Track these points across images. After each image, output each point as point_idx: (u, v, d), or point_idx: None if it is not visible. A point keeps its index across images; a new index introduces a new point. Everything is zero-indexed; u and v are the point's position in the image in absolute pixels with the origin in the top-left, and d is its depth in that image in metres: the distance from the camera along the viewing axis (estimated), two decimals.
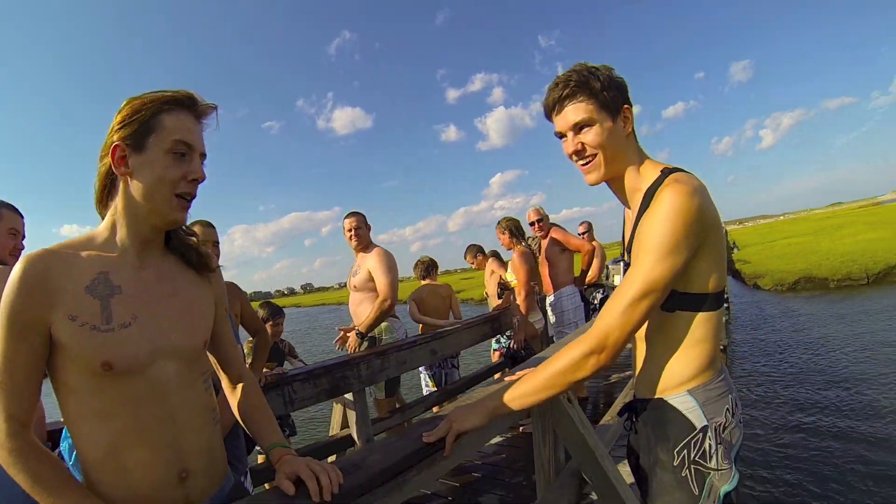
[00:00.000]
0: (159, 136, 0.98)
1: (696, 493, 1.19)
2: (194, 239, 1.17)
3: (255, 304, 3.10)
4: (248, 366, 1.50)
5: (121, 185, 1.00)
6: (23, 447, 0.90)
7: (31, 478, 0.88)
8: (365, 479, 1.02)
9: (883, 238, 19.69)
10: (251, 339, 2.65)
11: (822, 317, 11.34)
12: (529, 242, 4.66)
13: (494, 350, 5.17)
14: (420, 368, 4.43)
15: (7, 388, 0.89)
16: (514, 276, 4.25)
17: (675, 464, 1.21)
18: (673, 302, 1.18)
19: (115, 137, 0.98)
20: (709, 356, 1.22)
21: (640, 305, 1.11)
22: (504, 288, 5.04)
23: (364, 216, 3.81)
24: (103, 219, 1.04)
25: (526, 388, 1.24)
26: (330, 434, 3.38)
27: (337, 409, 3.01)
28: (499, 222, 4.46)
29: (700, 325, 1.20)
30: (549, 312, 4.62)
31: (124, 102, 1.00)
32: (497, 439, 4.16)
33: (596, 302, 5.22)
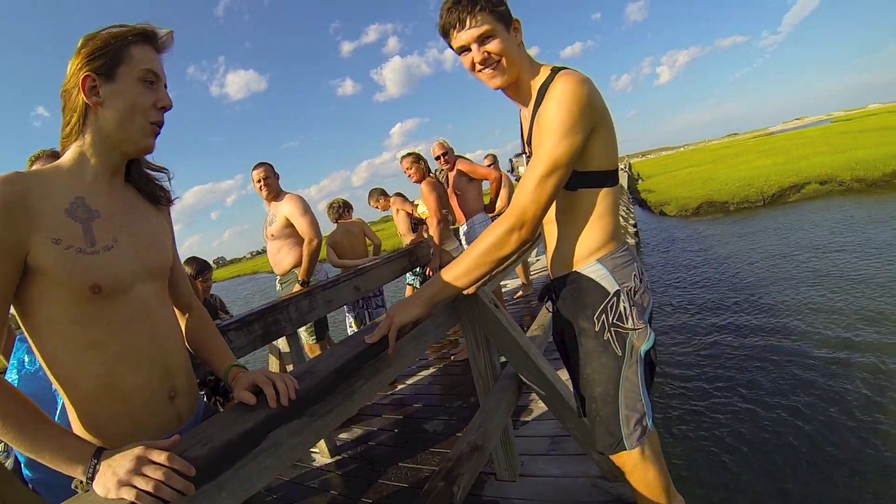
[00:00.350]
0: (129, 65, 1.00)
1: (620, 354, 1.34)
2: (164, 174, 1.20)
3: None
4: None
5: (91, 116, 1.01)
6: None
7: (1, 415, 0.81)
8: (317, 381, 1.04)
9: (776, 163, 21.68)
10: None
11: (724, 236, 12.47)
12: (436, 174, 4.70)
13: (409, 284, 5.32)
14: (344, 309, 4.50)
15: None
16: (425, 207, 4.29)
17: (596, 329, 1.35)
18: (575, 181, 1.30)
19: (84, 70, 0.98)
20: (612, 228, 1.37)
21: (548, 181, 1.23)
22: (419, 222, 5.12)
23: (271, 165, 3.77)
24: (64, 150, 1.04)
25: (457, 271, 1.33)
26: None
27: (272, 362, 2.99)
28: (403, 157, 4.44)
29: (601, 200, 1.34)
30: (463, 241, 4.73)
31: (85, 38, 1.01)
32: (431, 370, 4.34)
33: None
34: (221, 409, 2.42)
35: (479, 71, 1.35)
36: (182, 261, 1.36)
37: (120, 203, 1.06)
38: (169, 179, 1.20)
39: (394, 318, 1.30)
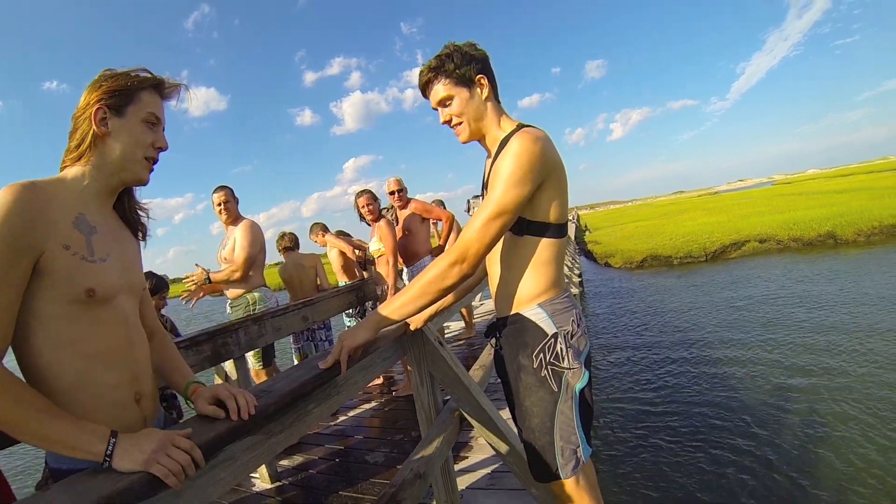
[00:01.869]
0: (137, 106, 1.15)
1: (556, 390, 1.46)
2: (144, 213, 1.32)
3: None
4: None
5: (98, 143, 1.13)
6: (4, 374, 0.89)
7: (13, 403, 0.87)
8: (275, 400, 1.12)
9: (719, 221, 22.91)
10: None
11: (667, 288, 13.03)
12: (384, 213, 4.66)
13: (347, 326, 5.25)
14: (290, 340, 4.54)
15: None
16: (380, 245, 4.30)
17: (534, 366, 1.48)
18: (522, 227, 1.45)
19: (98, 103, 1.11)
20: (554, 276, 1.51)
21: (493, 223, 1.38)
22: (366, 261, 5.16)
23: (231, 189, 3.84)
24: (63, 168, 1.15)
25: (404, 299, 1.45)
26: None
27: (218, 383, 2.99)
28: (361, 193, 4.45)
29: (545, 249, 1.48)
30: (406, 281, 4.67)
31: (105, 75, 1.14)
32: (373, 404, 4.37)
33: None
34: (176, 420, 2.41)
35: (450, 128, 1.54)
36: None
37: (111, 224, 1.17)
38: (148, 218, 1.32)
39: (344, 342, 1.41)
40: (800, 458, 4.20)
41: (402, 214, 4.67)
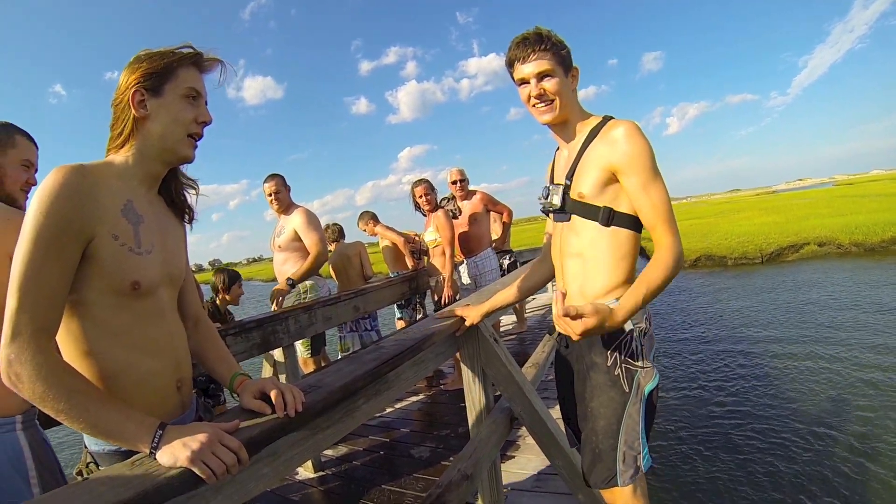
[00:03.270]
0: (174, 83, 1.10)
1: (627, 391, 1.39)
2: (192, 190, 1.28)
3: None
4: None
5: (139, 127, 1.09)
6: (57, 361, 0.87)
7: (66, 392, 0.84)
8: (324, 395, 1.06)
9: (776, 222, 21.78)
10: None
11: (721, 289, 12.45)
12: (441, 204, 4.57)
13: (398, 318, 5.25)
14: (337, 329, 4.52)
15: (40, 299, 0.87)
16: (437, 235, 4.21)
17: (608, 364, 1.40)
18: (609, 218, 1.38)
19: (135, 86, 1.07)
20: (631, 269, 1.43)
21: (669, 208, 1.35)
22: (421, 251, 5.12)
23: (282, 178, 3.75)
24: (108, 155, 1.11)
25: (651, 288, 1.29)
26: None
27: (266, 370, 3.00)
28: (417, 182, 4.35)
29: (626, 241, 1.41)
30: (464, 273, 4.53)
31: (140, 56, 1.10)
32: (420, 397, 4.31)
33: (504, 267, 5.12)
34: (208, 407, 2.41)
35: (533, 105, 1.45)
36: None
37: (157, 211, 1.15)
38: (196, 194, 1.29)
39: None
40: (855, 477, 3.90)
41: (466, 205, 4.56)
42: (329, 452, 3.32)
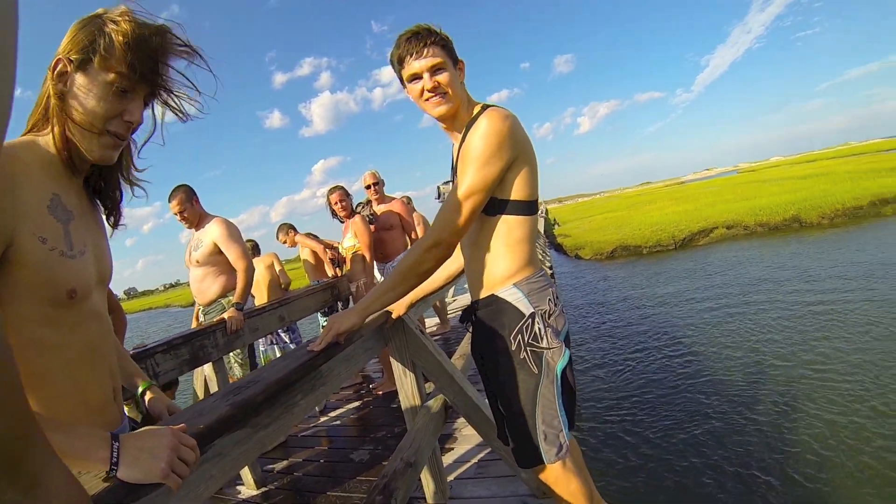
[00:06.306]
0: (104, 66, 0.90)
1: (536, 372, 1.44)
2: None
3: None
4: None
5: (62, 105, 0.91)
6: None
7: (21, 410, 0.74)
8: (262, 388, 1.10)
9: (686, 210, 23.19)
10: None
11: (637, 277, 13.19)
12: (357, 210, 4.57)
13: (322, 326, 5.22)
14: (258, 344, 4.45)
15: None
16: (356, 241, 4.24)
17: (512, 348, 1.45)
18: (494, 207, 1.45)
19: (66, 51, 0.90)
20: (528, 255, 1.50)
21: (465, 205, 1.38)
22: (338, 260, 5.14)
23: (186, 191, 3.41)
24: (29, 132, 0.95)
25: (385, 286, 1.48)
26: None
27: (199, 384, 2.93)
28: (333, 189, 4.38)
29: (517, 227, 1.47)
30: (380, 279, 4.57)
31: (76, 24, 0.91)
32: (355, 403, 4.34)
33: None
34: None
35: (427, 99, 1.49)
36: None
37: (84, 206, 1.01)
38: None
39: (334, 326, 1.43)
40: (775, 436, 4.29)
41: (381, 209, 4.59)
42: (270, 466, 3.28)
